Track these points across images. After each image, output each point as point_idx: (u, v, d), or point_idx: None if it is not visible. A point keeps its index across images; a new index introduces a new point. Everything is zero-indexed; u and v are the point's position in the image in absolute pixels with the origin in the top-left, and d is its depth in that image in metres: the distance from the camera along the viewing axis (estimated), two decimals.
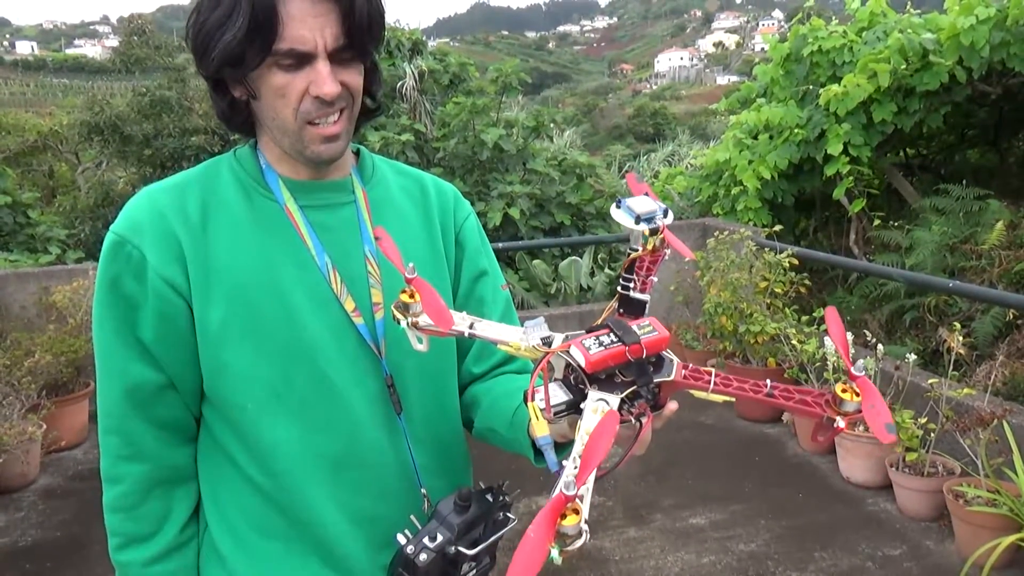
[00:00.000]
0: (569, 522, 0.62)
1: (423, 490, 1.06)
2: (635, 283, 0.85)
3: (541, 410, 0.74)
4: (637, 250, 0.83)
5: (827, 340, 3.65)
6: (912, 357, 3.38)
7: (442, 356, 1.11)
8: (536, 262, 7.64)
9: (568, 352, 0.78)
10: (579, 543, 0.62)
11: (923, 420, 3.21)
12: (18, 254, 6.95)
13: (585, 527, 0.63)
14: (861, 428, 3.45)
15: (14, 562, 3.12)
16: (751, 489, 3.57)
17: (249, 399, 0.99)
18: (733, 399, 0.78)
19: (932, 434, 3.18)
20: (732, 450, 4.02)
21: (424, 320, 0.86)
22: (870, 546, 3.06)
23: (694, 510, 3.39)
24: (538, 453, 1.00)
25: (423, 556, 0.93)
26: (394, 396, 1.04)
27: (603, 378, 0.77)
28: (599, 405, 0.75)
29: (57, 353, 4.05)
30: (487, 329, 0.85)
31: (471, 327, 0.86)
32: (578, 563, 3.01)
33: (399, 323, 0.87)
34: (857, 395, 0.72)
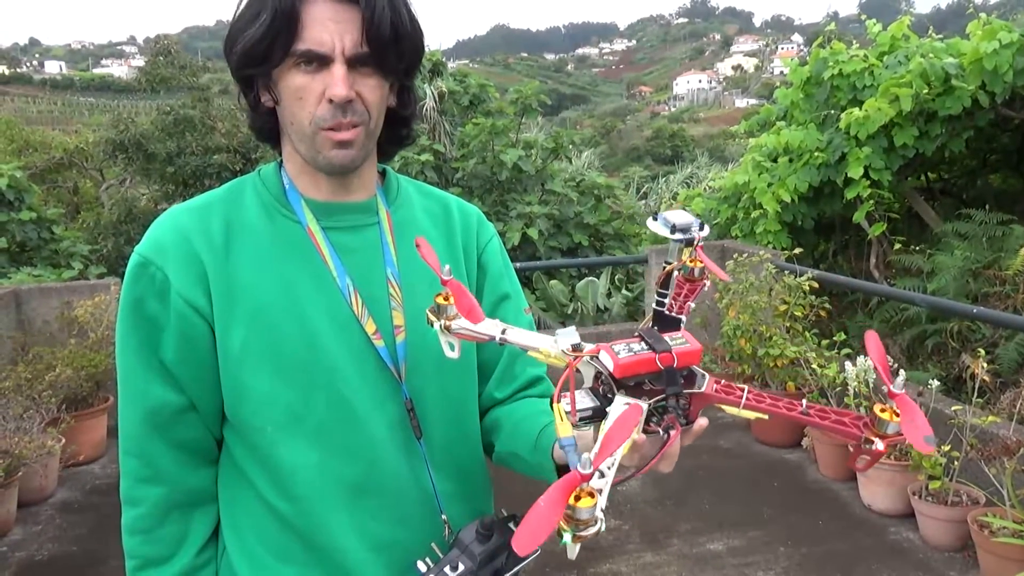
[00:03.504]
0: (584, 504, 0.60)
1: (443, 517, 1.05)
2: (670, 303, 0.83)
3: (566, 413, 0.72)
4: (672, 263, 0.83)
5: (848, 365, 3.61)
6: (935, 383, 3.33)
7: (463, 380, 1.10)
8: (553, 282, 7.65)
9: (597, 357, 0.77)
10: (592, 531, 0.61)
11: (947, 448, 3.15)
12: (42, 269, 7.05)
13: (600, 515, 0.61)
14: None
15: None
16: (770, 515, 3.52)
17: (268, 422, 0.99)
18: (766, 416, 0.75)
19: (956, 462, 3.12)
20: (751, 475, 3.97)
21: (457, 324, 0.86)
22: None
23: (712, 535, 3.34)
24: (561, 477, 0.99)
25: None
26: (414, 420, 1.03)
27: (631, 386, 0.76)
28: (623, 406, 0.73)
29: (77, 367, 4.08)
30: (519, 336, 0.85)
31: (503, 332, 0.85)
32: None
33: (432, 325, 0.88)
34: (896, 415, 0.69)
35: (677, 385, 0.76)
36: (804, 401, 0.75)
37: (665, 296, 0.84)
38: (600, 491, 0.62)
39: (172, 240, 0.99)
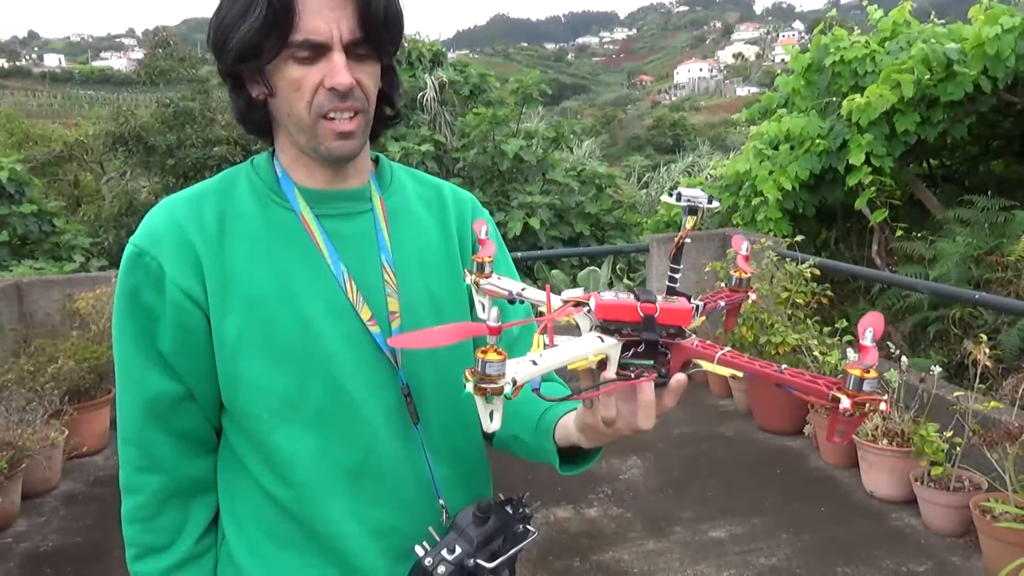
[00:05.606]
0: (491, 358, 0.65)
1: (441, 501, 1.05)
2: (704, 296, 0.87)
3: (546, 344, 0.75)
4: (679, 232, 0.87)
5: (850, 351, 3.60)
6: (937, 370, 3.33)
7: (462, 365, 1.09)
8: (555, 272, 7.65)
9: (587, 303, 0.81)
10: (495, 387, 0.66)
11: (949, 434, 3.15)
12: (43, 262, 7.06)
13: (509, 382, 0.66)
14: (885, 441, 3.40)
15: (36, 567, 3.14)
16: (772, 502, 3.53)
17: (265, 410, 0.99)
18: (740, 374, 0.75)
19: (958, 448, 3.12)
20: (753, 463, 3.98)
21: (485, 282, 0.95)
22: (894, 562, 3.01)
23: (714, 523, 3.35)
24: (562, 460, 0.99)
25: (441, 568, 0.92)
26: (411, 406, 1.03)
27: (613, 330, 0.78)
28: (593, 337, 0.77)
29: (80, 359, 4.09)
30: (533, 294, 0.92)
31: (522, 290, 0.93)
32: (596, 575, 2.99)
33: (466, 279, 0.98)
34: (867, 373, 0.68)
35: (654, 331, 0.77)
36: (784, 366, 0.75)
37: (677, 272, 0.88)
38: (521, 370, 0.68)
39: (166, 230, 0.99)
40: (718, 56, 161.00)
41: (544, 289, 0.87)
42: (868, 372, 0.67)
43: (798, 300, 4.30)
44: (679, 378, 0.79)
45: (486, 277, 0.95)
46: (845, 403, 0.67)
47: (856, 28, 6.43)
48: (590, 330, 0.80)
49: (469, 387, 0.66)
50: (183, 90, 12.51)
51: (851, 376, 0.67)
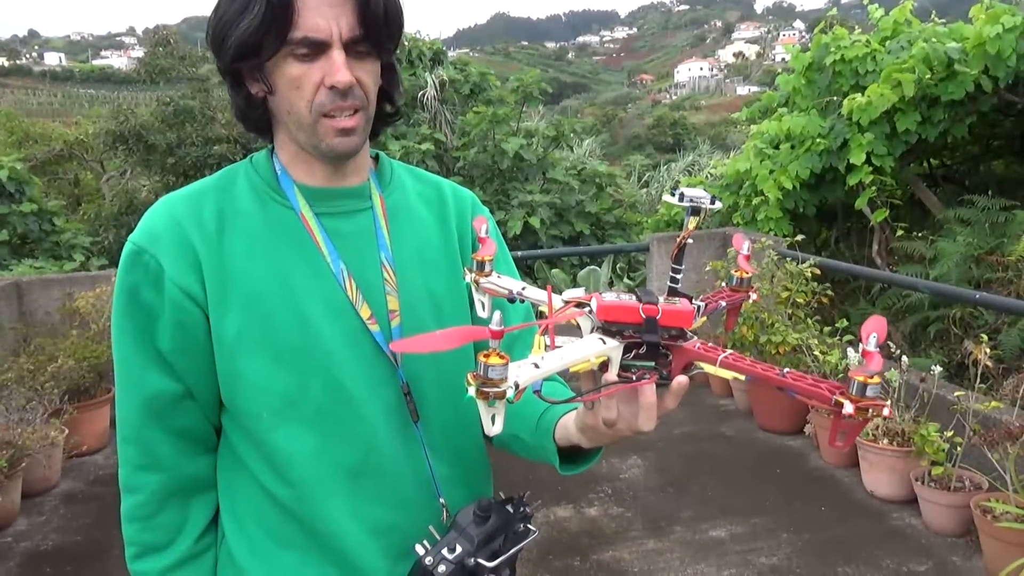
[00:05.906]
0: (493, 361, 0.65)
1: (441, 500, 1.05)
2: (705, 296, 0.86)
3: (547, 346, 0.75)
4: (681, 232, 0.87)
5: (850, 351, 3.60)
6: (937, 369, 3.33)
7: (462, 364, 1.09)
8: (555, 271, 7.65)
9: (589, 304, 0.81)
10: (497, 392, 0.65)
11: (949, 433, 3.15)
12: (43, 261, 7.06)
13: (511, 385, 0.66)
14: (885, 441, 3.40)
15: (36, 566, 3.14)
16: (773, 502, 3.53)
17: (265, 408, 0.98)
18: (742, 376, 0.76)
19: (959, 448, 3.12)
20: (753, 462, 3.98)
21: (484, 280, 0.95)
22: (895, 561, 3.01)
23: (714, 522, 3.35)
24: (563, 460, 0.99)
25: (442, 567, 0.92)
26: (410, 404, 1.03)
27: (614, 332, 0.77)
28: (595, 339, 0.77)
29: (80, 358, 4.09)
30: (533, 293, 0.92)
31: (522, 289, 0.93)
32: (597, 574, 2.99)
33: (465, 278, 0.98)
34: (870, 379, 0.69)
35: (655, 333, 0.77)
36: (787, 370, 0.75)
37: (679, 272, 0.88)
38: (523, 374, 0.68)
39: (165, 228, 0.98)
40: (718, 55, 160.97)
41: (544, 288, 0.86)
42: (872, 378, 0.67)
43: (798, 300, 4.29)
44: (681, 380, 0.79)
45: (486, 275, 0.95)
46: (848, 408, 0.67)
47: (857, 27, 6.42)
48: (592, 331, 0.79)
49: (471, 391, 0.65)
50: (183, 88, 12.52)
51: (854, 381, 0.67)
